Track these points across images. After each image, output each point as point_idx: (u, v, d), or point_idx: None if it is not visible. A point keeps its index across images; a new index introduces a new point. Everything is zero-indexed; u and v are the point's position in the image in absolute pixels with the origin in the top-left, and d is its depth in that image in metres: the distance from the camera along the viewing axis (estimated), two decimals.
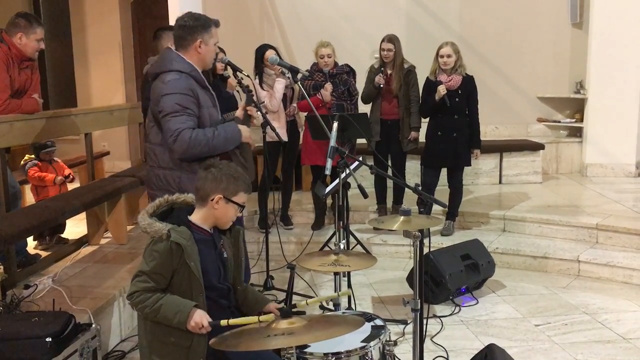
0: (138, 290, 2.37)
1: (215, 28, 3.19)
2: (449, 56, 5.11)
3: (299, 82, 3.70)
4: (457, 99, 5.14)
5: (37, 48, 4.21)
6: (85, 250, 4.74)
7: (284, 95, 5.41)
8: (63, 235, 4.94)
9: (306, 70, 5.46)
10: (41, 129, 4.47)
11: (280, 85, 5.29)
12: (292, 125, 5.61)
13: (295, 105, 5.56)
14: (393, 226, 2.72)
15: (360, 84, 5.62)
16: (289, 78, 5.35)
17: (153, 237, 2.40)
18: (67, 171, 5.22)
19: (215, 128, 3.09)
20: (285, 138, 5.39)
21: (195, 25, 3.11)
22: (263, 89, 5.31)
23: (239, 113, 3.44)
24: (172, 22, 5.92)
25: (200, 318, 2.34)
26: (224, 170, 2.50)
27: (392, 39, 5.39)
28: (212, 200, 2.48)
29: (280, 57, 5.29)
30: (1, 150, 4.03)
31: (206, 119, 3.08)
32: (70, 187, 5.81)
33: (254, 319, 2.23)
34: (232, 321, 2.28)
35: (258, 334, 2.03)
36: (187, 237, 2.39)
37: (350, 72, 5.55)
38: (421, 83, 5.49)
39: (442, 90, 5.04)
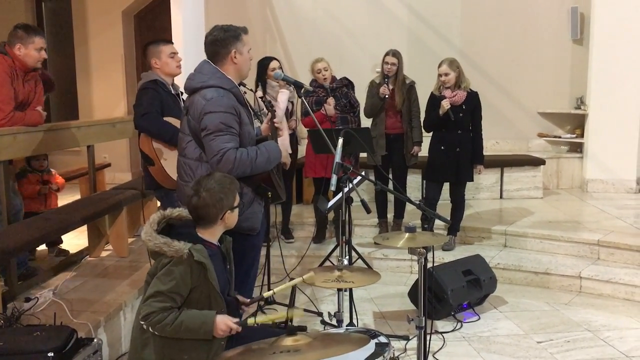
0: (155, 311, 2.33)
1: (245, 35, 3.16)
2: (446, 74, 5.15)
3: (302, 98, 3.70)
4: (461, 114, 5.16)
5: (38, 57, 4.17)
6: (86, 262, 4.72)
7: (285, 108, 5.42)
8: (62, 247, 4.93)
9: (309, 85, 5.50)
10: (44, 141, 4.47)
11: (284, 96, 5.31)
12: (291, 139, 5.61)
13: (295, 119, 5.57)
14: (398, 243, 2.72)
15: (360, 98, 5.62)
16: (292, 90, 5.38)
17: (172, 256, 2.37)
18: (57, 181, 5.06)
19: (257, 147, 3.06)
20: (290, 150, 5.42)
21: (226, 37, 3.09)
22: (263, 102, 5.33)
23: (264, 127, 3.44)
24: (174, 35, 6.00)
25: (225, 325, 2.37)
26: (214, 189, 2.51)
27: (396, 53, 5.42)
28: (222, 218, 2.51)
29: (282, 71, 5.34)
30: (4, 162, 4.03)
31: (245, 137, 3.05)
32: (72, 198, 5.81)
33: (283, 314, 2.31)
34: (260, 320, 2.38)
35: (264, 352, 2.03)
36: (205, 255, 2.39)
37: (349, 84, 5.58)
38: (422, 98, 5.52)
39: (445, 105, 5.06)
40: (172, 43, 4.12)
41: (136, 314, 2.53)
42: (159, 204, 5.07)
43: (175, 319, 2.33)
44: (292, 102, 5.57)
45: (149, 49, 4.03)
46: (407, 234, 2.75)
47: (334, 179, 3.04)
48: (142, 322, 2.37)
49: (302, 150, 5.94)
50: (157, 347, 2.41)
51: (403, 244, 2.72)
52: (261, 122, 3.68)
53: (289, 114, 5.54)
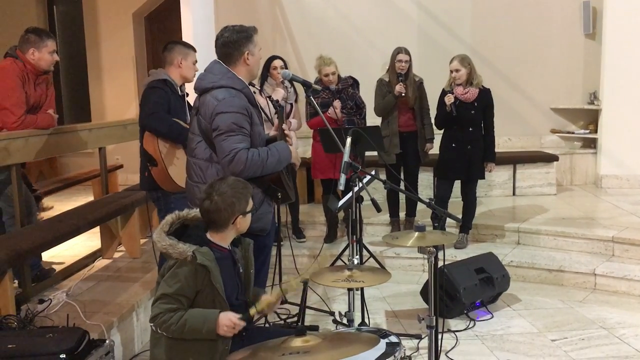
0: (161, 312, 2.36)
1: (256, 35, 3.15)
2: (457, 70, 5.12)
3: (310, 97, 3.69)
4: (472, 112, 5.13)
5: (51, 60, 4.21)
6: (99, 264, 4.76)
7: (282, 108, 5.38)
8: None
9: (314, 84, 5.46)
10: (56, 144, 4.51)
11: (278, 95, 5.28)
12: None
13: (292, 120, 5.50)
14: (407, 242, 2.71)
15: (364, 94, 5.59)
16: (290, 91, 5.36)
17: (177, 258, 2.38)
18: None
19: (268, 148, 3.06)
20: None
21: (239, 38, 3.08)
22: (270, 100, 5.32)
23: (272, 133, 3.42)
24: (184, 36, 6.02)
25: (228, 320, 2.36)
26: (226, 193, 2.49)
27: (407, 51, 5.40)
28: (233, 223, 2.50)
29: (286, 68, 5.32)
30: (17, 165, 4.06)
31: (256, 137, 3.05)
32: (85, 200, 5.86)
33: (276, 293, 2.30)
34: (259, 306, 2.38)
35: (272, 353, 2.02)
36: (211, 259, 2.40)
37: (354, 83, 5.54)
38: (432, 95, 5.49)
39: (447, 100, 5.04)
40: (196, 52, 4.09)
41: None
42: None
43: (179, 318, 2.35)
44: (290, 104, 5.52)
45: (177, 47, 3.96)
46: (416, 233, 2.74)
47: (342, 178, 3.03)
48: (151, 324, 2.40)
49: (304, 150, 5.91)
50: (166, 347, 2.43)
51: (412, 243, 2.71)
52: (272, 124, 3.67)
53: (285, 116, 5.49)
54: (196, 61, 4.04)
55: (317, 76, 5.55)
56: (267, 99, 4.17)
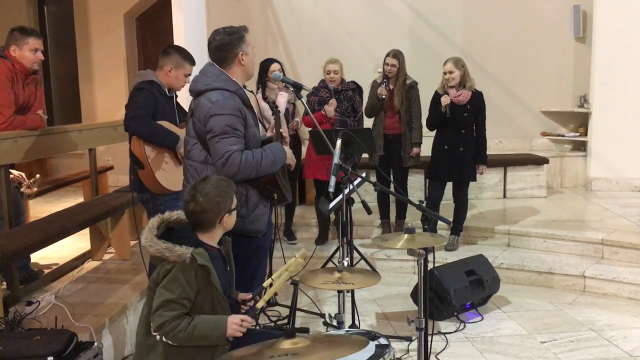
0: (167, 320, 2.32)
1: (247, 34, 3.14)
2: (450, 72, 5.13)
3: (302, 98, 3.68)
4: (465, 114, 5.14)
5: (33, 59, 4.13)
6: (88, 265, 4.72)
7: (286, 110, 5.43)
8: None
9: (313, 87, 5.50)
10: (45, 145, 4.48)
11: (283, 98, 5.31)
12: (293, 140, 5.61)
13: (298, 120, 5.58)
14: (397, 245, 2.71)
15: (365, 101, 5.63)
16: (292, 92, 5.38)
17: (174, 261, 2.36)
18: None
19: (262, 149, 3.05)
20: None
21: (231, 40, 3.06)
22: (267, 102, 5.34)
23: (269, 134, 3.41)
24: (175, 37, 5.99)
25: (236, 320, 2.38)
26: (210, 193, 2.48)
27: (397, 54, 5.41)
28: (220, 222, 2.50)
29: (283, 72, 5.34)
30: (5, 166, 4.03)
31: (251, 139, 3.04)
32: (75, 201, 5.82)
33: (282, 272, 2.37)
34: (265, 297, 2.42)
35: (262, 355, 2.02)
36: (207, 259, 2.39)
37: (356, 89, 5.57)
38: (424, 98, 5.50)
39: (444, 100, 5.05)
40: (194, 65, 3.98)
41: (139, 318, 2.52)
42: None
43: (187, 325, 2.32)
44: (293, 104, 5.57)
45: (174, 56, 3.88)
46: (406, 235, 2.74)
47: (332, 180, 3.03)
48: (156, 333, 2.34)
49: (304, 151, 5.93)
50: (163, 353, 2.39)
51: (402, 245, 2.71)
52: (266, 129, 3.68)
53: (289, 116, 5.54)
54: (189, 74, 3.92)
55: (321, 77, 5.60)
56: (264, 101, 4.18)
